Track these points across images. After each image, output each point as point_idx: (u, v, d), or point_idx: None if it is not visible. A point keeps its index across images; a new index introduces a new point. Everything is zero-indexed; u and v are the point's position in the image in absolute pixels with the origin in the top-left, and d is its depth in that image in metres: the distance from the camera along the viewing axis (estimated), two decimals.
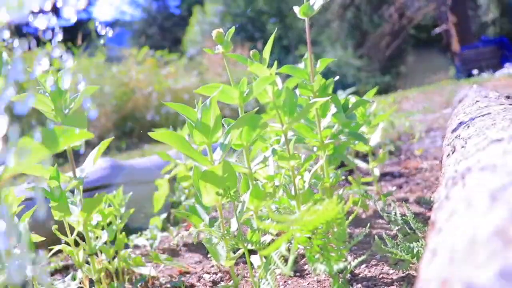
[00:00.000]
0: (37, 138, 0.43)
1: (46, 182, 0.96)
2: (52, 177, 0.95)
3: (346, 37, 18.94)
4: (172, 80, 7.43)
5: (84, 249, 1.05)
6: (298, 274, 1.10)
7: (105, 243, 1.17)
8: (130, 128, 6.51)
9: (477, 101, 1.34)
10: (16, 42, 0.59)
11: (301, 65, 1.31)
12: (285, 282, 1.06)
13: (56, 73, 1.03)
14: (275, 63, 1.09)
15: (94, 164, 1.02)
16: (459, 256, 0.36)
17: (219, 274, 1.24)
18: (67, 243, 1.08)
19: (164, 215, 1.74)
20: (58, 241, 1.07)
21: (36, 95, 0.98)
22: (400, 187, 1.97)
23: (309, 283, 1.04)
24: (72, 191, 1.22)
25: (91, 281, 1.18)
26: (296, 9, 1.20)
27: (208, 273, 1.26)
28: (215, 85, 1.03)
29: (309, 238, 0.67)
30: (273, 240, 0.85)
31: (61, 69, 1.01)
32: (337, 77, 1.38)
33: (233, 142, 0.98)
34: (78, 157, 1.11)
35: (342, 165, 2.55)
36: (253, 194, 1.00)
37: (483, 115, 0.95)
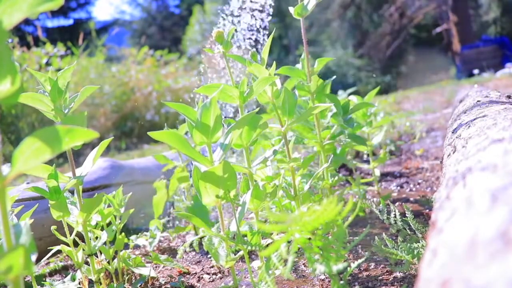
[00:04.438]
0: (40, 138, 0.43)
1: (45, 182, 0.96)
2: (51, 176, 0.95)
3: (346, 37, 18.93)
4: (171, 80, 7.43)
5: (83, 250, 1.04)
6: (298, 274, 1.10)
7: (105, 243, 1.17)
8: (129, 128, 6.52)
9: (478, 100, 1.34)
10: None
11: (299, 66, 1.31)
12: (283, 282, 1.06)
13: (56, 73, 1.03)
14: (274, 63, 1.09)
15: (94, 164, 1.01)
16: (459, 257, 0.36)
17: (219, 275, 1.24)
18: (66, 244, 1.07)
19: (165, 219, 1.74)
20: (57, 241, 1.07)
21: (36, 95, 0.97)
22: (401, 187, 1.96)
23: (309, 283, 1.04)
24: (71, 191, 1.22)
25: (91, 282, 1.18)
26: (291, 9, 1.21)
27: (208, 273, 1.26)
28: (215, 85, 1.02)
29: (309, 239, 0.66)
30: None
31: (61, 69, 1.00)
32: (333, 77, 1.38)
33: (234, 142, 0.97)
34: (78, 157, 1.11)
35: (343, 165, 2.55)
36: (253, 194, 1.00)
37: (484, 115, 0.94)
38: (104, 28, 19.86)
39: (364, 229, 1.39)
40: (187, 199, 1.82)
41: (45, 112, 1.01)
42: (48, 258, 1.49)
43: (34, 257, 0.44)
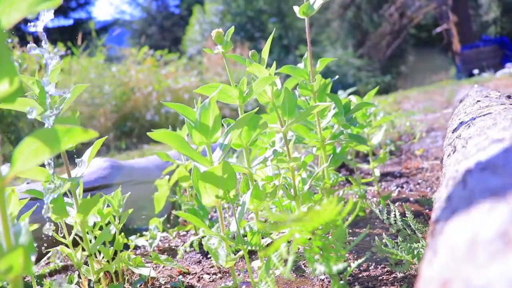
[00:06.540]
0: (40, 138, 0.43)
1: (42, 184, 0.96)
2: (47, 178, 0.94)
3: (346, 37, 18.94)
4: (171, 80, 7.43)
5: (82, 250, 1.04)
6: (298, 274, 1.10)
7: (104, 243, 1.17)
8: (129, 128, 6.52)
9: (478, 100, 1.33)
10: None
11: (301, 65, 1.31)
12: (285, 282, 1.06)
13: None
14: (274, 63, 1.09)
15: (89, 165, 1.01)
16: (459, 257, 0.36)
17: (219, 275, 1.24)
18: (65, 244, 1.07)
19: (164, 217, 1.74)
20: (57, 241, 1.07)
21: (23, 99, 0.96)
22: (401, 187, 1.96)
23: (309, 283, 1.03)
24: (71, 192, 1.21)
25: (90, 282, 1.18)
26: (296, 8, 1.20)
27: (208, 273, 1.26)
28: (215, 85, 1.02)
29: (309, 239, 0.66)
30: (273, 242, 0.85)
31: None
32: (336, 77, 1.38)
33: (233, 142, 0.97)
34: (78, 156, 1.11)
35: (343, 165, 2.55)
36: (253, 194, 1.00)
37: (484, 115, 0.94)
38: (104, 28, 19.86)
39: (364, 229, 1.39)
40: (189, 199, 1.82)
41: (35, 116, 1.00)
42: (48, 258, 1.49)
43: (33, 257, 0.44)
